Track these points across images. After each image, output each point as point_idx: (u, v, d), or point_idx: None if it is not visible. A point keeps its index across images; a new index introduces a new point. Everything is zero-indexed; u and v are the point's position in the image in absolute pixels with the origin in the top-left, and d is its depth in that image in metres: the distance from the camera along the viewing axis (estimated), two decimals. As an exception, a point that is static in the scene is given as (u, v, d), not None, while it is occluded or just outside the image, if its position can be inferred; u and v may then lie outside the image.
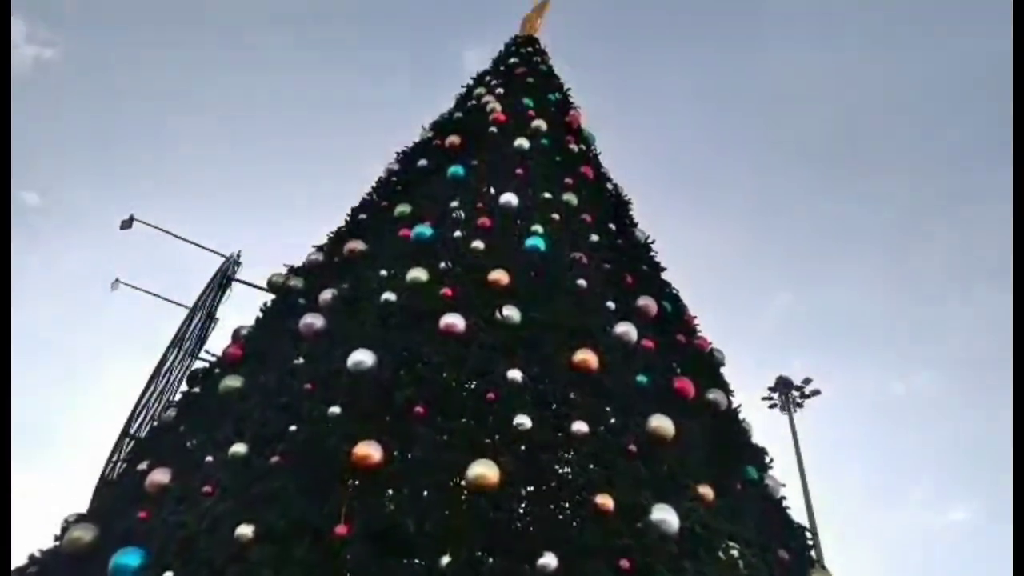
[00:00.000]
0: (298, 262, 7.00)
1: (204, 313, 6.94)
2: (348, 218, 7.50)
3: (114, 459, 6.07)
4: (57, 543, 4.71)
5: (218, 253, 7.80)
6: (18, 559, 4.80)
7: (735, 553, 4.40)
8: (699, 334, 6.69)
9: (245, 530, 4.08)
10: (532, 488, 4.53)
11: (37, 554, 4.72)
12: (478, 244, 6.00)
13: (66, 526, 4.77)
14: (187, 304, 7.29)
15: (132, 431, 6.19)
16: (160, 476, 4.75)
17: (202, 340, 6.71)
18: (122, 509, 4.76)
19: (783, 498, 5.40)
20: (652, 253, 7.35)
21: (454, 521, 4.18)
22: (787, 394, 20.63)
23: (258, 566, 3.91)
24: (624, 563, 4.04)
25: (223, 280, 7.32)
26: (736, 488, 4.94)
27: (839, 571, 5.01)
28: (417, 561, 4.04)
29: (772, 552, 4.55)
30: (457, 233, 6.20)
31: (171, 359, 6.51)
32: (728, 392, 5.92)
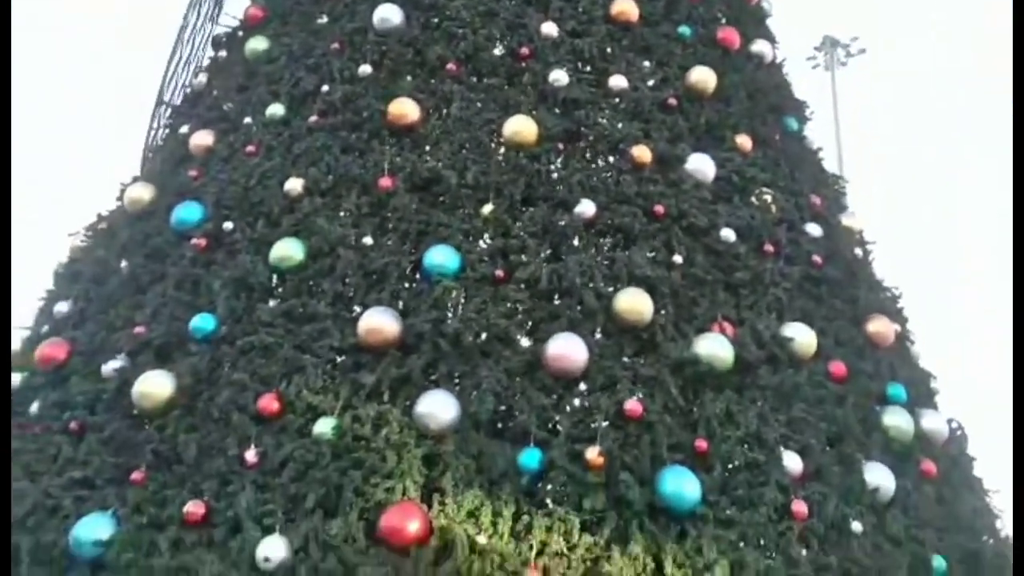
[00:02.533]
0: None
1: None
2: None
3: (153, 127, 6.17)
4: (119, 203, 4.98)
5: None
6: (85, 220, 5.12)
7: (768, 198, 4.52)
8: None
9: (294, 184, 4.24)
10: (569, 143, 4.55)
11: (104, 212, 5.03)
12: None
13: (124, 188, 4.99)
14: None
15: (166, 99, 6.20)
16: (203, 138, 4.84)
17: (220, 3, 6.38)
18: (172, 170, 4.94)
19: (819, 148, 5.39)
20: None
21: (493, 174, 4.27)
22: (832, 53, 19.86)
23: (311, 215, 4.14)
24: (659, 208, 4.19)
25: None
26: (774, 139, 4.91)
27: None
28: (460, 210, 4.23)
29: (804, 197, 4.67)
30: None
31: (192, 23, 6.27)
32: (773, 43, 5.61)
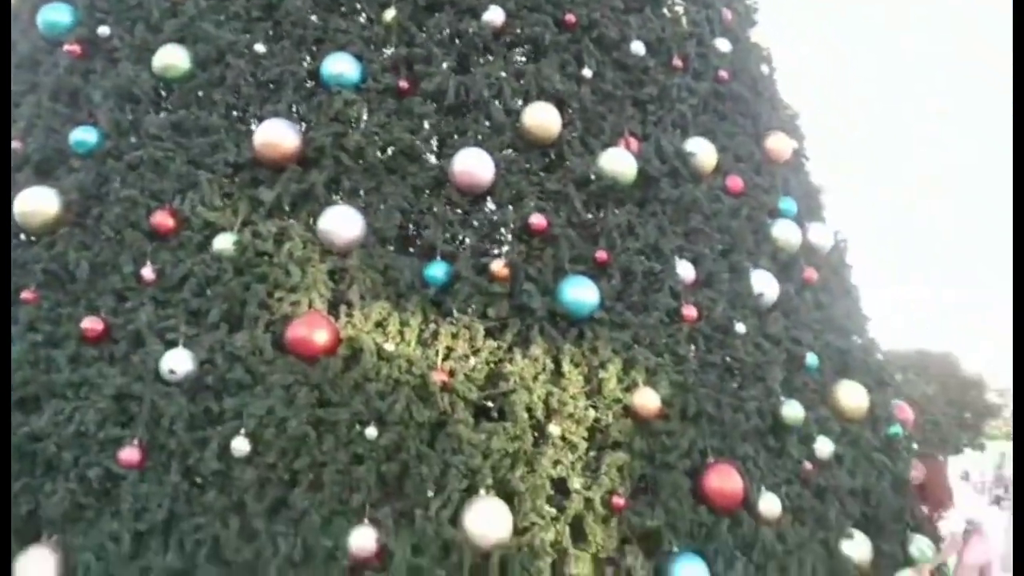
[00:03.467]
0: None
1: None
2: None
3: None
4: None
5: None
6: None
7: (679, 10, 4.42)
8: None
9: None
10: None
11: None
12: None
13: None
14: None
15: None
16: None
17: None
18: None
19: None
20: None
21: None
22: None
23: (196, 20, 3.81)
24: (569, 17, 4.04)
25: None
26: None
27: None
28: (360, 15, 3.98)
29: (716, 10, 4.57)
30: None
31: None
32: None
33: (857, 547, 3.90)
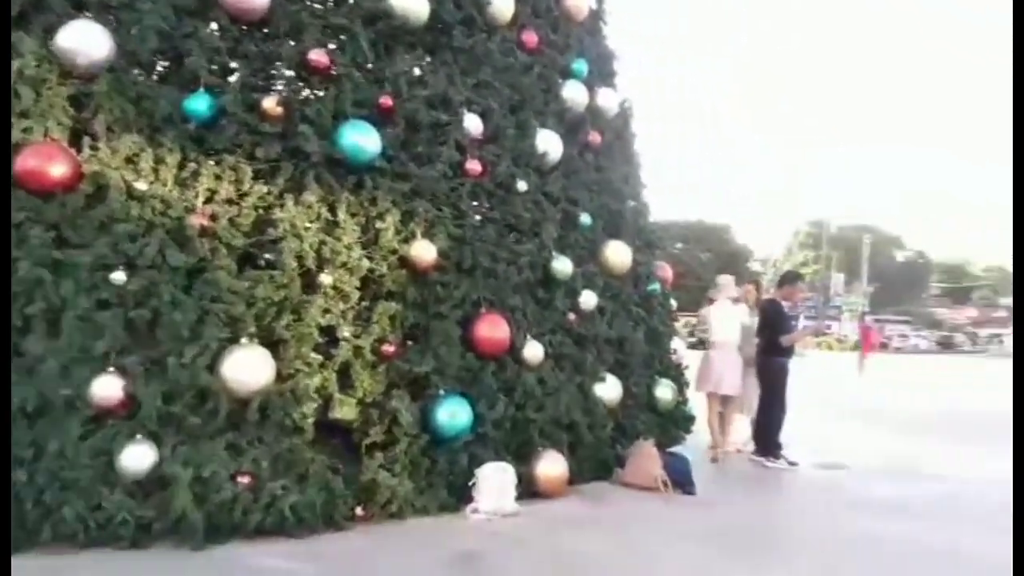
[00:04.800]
0: None
1: None
2: None
3: None
4: None
5: None
6: None
7: None
8: None
9: None
10: None
11: None
12: None
13: None
14: None
15: None
16: None
17: None
18: None
19: None
20: None
21: None
22: None
23: None
24: None
25: None
26: None
27: None
28: None
29: None
30: None
31: None
32: None
33: (609, 389, 4.33)
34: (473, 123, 3.87)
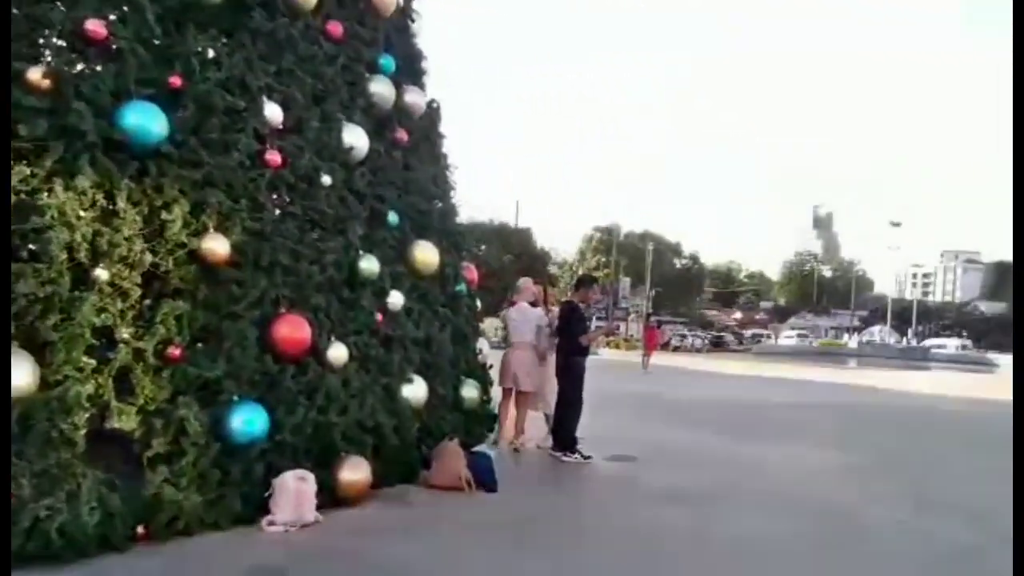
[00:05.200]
0: None
1: None
2: None
3: None
4: None
5: None
6: None
7: None
8: None
9: None
10: None
11: None
12: None
13: None
14: None
15: None
16: None
17: None
18: None
19: None
20: None
21: None
22: None
23: None
24: None
25: None
26: None
27: None
28: None
29: None
30: None
31: None
32: None
33: (416, 390, 4.29)
34: (273, 111, 3.65)
